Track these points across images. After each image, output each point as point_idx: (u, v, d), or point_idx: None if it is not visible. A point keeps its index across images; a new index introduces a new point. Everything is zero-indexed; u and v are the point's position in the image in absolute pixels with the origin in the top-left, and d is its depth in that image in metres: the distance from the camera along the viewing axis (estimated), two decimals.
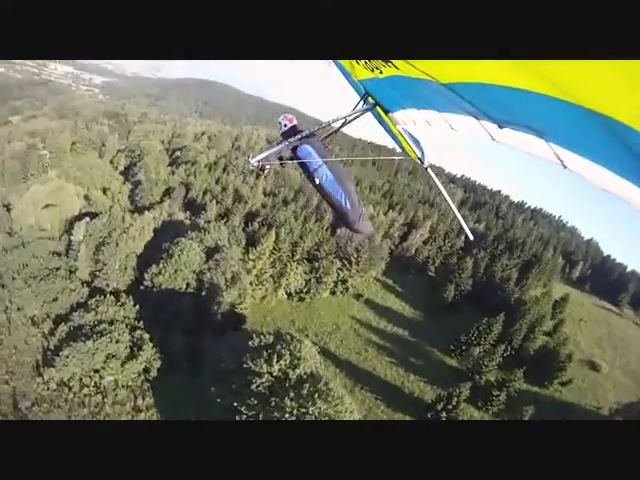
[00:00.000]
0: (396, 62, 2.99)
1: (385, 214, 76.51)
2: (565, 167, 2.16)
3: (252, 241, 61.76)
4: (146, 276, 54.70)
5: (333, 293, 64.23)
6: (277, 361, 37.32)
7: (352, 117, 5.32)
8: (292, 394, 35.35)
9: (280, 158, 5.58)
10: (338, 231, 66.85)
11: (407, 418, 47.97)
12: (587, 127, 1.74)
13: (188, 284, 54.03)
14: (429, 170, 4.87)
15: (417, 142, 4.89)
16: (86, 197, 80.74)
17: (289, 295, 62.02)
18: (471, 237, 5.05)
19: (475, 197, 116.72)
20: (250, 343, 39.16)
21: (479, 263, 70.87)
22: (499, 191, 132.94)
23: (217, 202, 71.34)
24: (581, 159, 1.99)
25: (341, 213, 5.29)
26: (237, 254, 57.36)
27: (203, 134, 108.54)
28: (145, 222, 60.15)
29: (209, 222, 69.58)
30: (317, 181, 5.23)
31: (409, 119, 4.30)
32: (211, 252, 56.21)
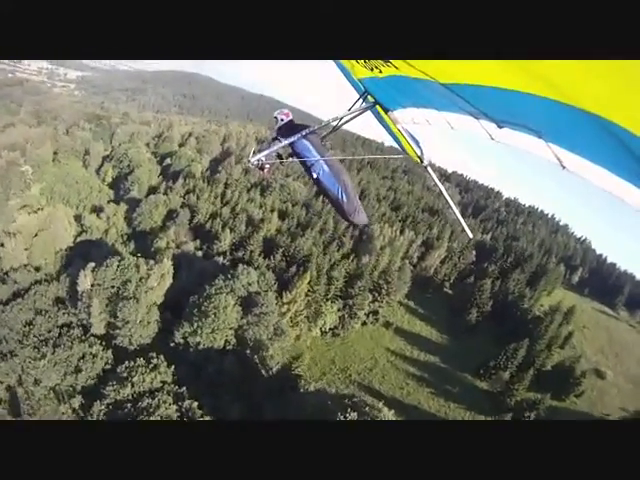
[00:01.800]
0: (395, 62, 2.98)
1: (401, 232, 74.07)
2: (564, 167, 2.14)
3: (282, 280, 58.32)
4: (177, 334, 49.71)
5: (364, 324, 62.25)
6: None
7: (351, 116, 5.33)
8: None
9: (279, 156, 5.55)
10: (363, 259, 64.88)
11: None
12: (585, 128, 1.75)
13: (227, 341, 50.00)
14: (428, 169, 4.87)
15: (416, 141, 4.93)
16: (77, 218, 72.70)
17: (323, 332, 59.55)
18: (470, 235, 5.19)
19: (471, 198, 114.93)
20: (337, 419, 37.70)
21: (494, 281, 70.73)
22: (492, 189, 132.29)
23: (230, 230, 66.12)
24: (580, 159, 1.98)
25: (338, 206, 5.28)
26: (272, 301, 53.81)
27: (190, 135, 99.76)
28: (165, 269, 54.13)
29: (225, 254, 64.82)
30: (314, 175, 5.24)
31: (409, 118, 4.24)
32: (245, 302, 52.18)
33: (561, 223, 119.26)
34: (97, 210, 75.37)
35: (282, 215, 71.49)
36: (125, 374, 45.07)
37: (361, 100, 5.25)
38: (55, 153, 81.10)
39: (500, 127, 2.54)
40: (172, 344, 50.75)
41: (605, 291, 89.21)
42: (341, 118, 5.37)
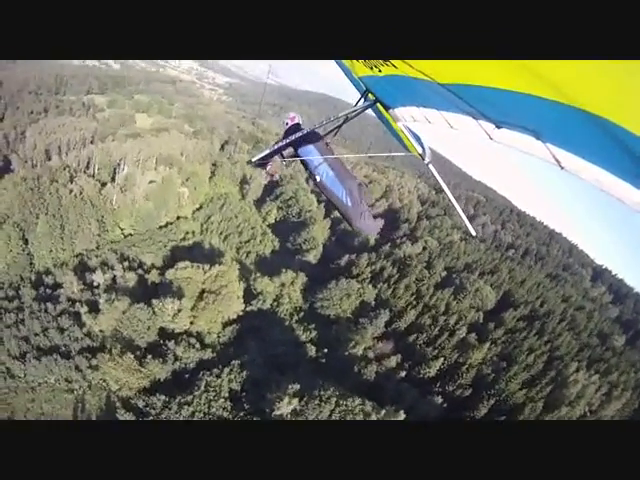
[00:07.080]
0: (394, 61, 2.91)
1: (588, 373, 66.69)
2: (562, 168, 2.04)
3: None
4: None
5: None
6: None
7: (354, 114, 5.19)
8: None
9: (281, 155, 5.46)
10: (563, 410, 58.08)
11: None
12: (583, 129, 1.71)
13: None
14: (430, 166, 4.53)
15: (418, 138, 4.71)
16: (243, 269, 60.91)
17: None
18: (473, 233, 4.92)
19: (630, 314, 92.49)
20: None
21: None
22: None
23: (437, 352, 56.88)
24: (578, 160, 1.93)
25: (343, 210, 5.01)
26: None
27: None
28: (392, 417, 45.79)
29: (433, 382, 56.06)
30: (318, 178, 5.07)
31: (409, 116, 3.96)
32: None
33: None
34: (262, 262, 64.09)
35: (475, 328, 62.49)
36: None
37: (363, 99, 5.04)
38: (212, 173, 66.94)
39: (499, 127, 2.42)
40: None
41: None
42: (343, 116, 5.17)
